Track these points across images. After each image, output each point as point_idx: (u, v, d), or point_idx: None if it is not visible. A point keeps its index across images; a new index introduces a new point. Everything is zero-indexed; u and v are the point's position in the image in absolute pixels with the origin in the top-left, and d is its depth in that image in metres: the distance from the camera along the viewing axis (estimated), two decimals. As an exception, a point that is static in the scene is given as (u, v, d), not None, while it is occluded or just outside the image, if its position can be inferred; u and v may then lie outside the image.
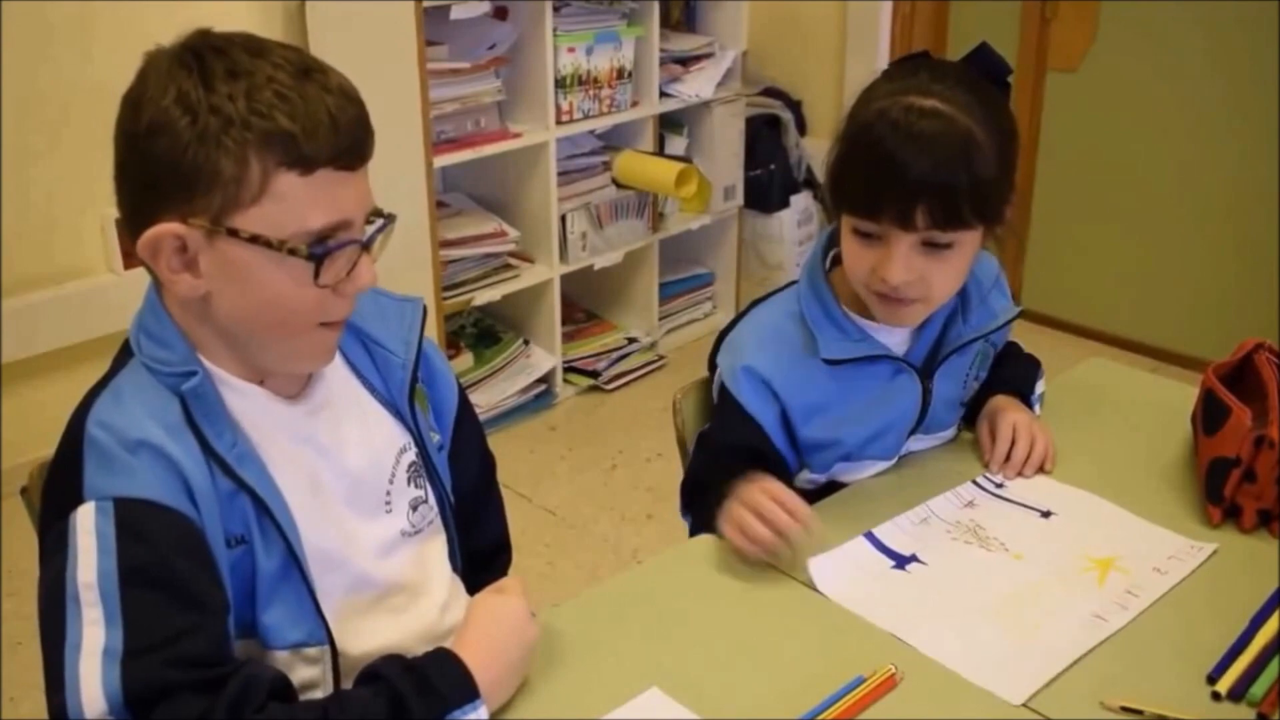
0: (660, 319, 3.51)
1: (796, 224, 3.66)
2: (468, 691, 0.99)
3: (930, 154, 1.20)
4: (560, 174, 3.10)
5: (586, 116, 3.11)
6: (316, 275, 1.00)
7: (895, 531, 1.28)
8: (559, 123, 3.04)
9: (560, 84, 3.01)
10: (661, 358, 3.46)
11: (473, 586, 1.23)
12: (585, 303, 3.54)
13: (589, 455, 3.02)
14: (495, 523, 1.39)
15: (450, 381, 1.28)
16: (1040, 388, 1.51)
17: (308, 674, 1.09)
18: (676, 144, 3.46)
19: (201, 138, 0.96)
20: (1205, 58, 3.19)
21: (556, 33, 2.96)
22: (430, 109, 2.72)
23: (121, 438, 0.99)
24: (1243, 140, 3.17)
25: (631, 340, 3.46)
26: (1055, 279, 3.61)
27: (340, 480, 1.12)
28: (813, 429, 1.36)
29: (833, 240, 1.37)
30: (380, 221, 1.06)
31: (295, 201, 0.98)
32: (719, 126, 3.46)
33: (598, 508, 2.78)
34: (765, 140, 3.62)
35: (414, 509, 1.19)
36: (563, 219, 3.13)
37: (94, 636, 0.93)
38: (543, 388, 3.22)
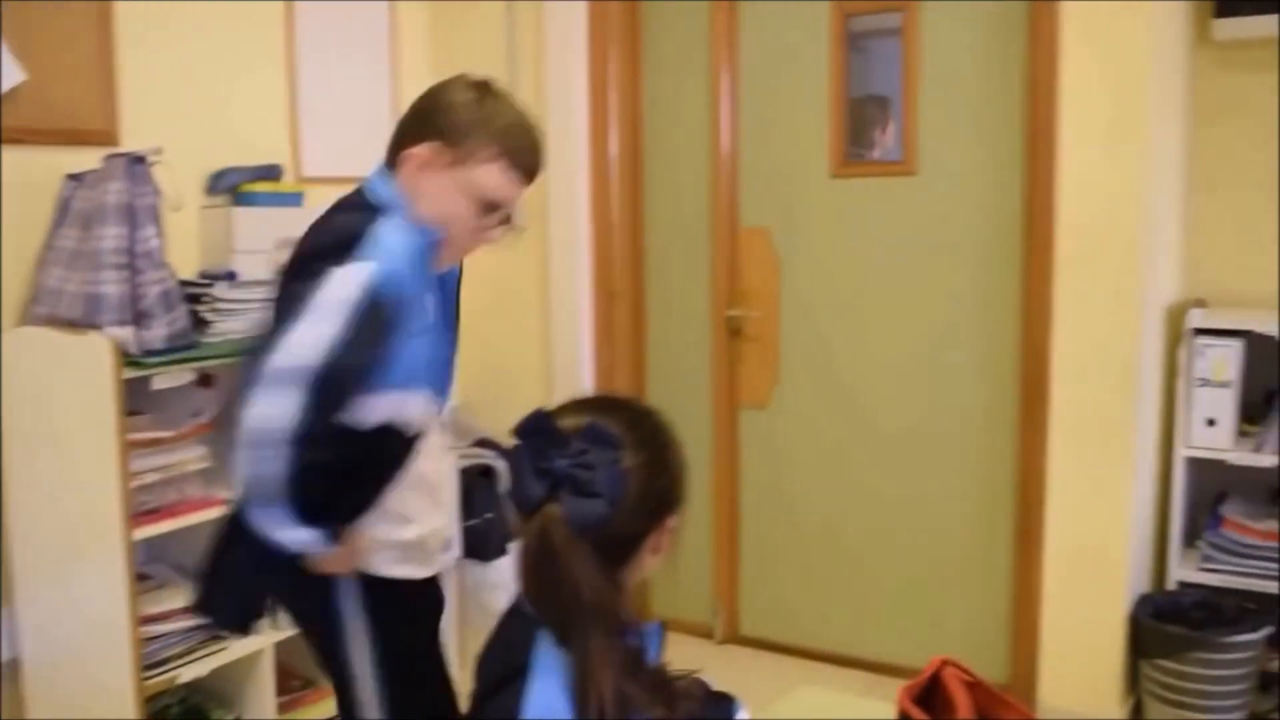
0: (382, 679, 3.37)
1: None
2: None
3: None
4: (271, 537, 3.02)
5: (297, 477, 3.08)
6: None
7: None
8: (268, 486, 2.98)
9: (268, 447, 2.98)
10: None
11: None
12: (301, 669, 3.37)
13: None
14: None
15: None
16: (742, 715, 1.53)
17: None
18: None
19: None
20: (872, 392, 3.53)
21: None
22: (130, 480, 2.63)
23: None
24: (925, 466, 3.48)
25: (353, 705, 3.29)
26: (769, 604, 3.74)
27: None
28: None
29: None
30: None
31: None
32: (433, 479, 3.49)
33: None
34: (481, 490, 3.66)
35: None
36: (275, 584, 3.02)
37: None
38: (258, 766, 3.00)
